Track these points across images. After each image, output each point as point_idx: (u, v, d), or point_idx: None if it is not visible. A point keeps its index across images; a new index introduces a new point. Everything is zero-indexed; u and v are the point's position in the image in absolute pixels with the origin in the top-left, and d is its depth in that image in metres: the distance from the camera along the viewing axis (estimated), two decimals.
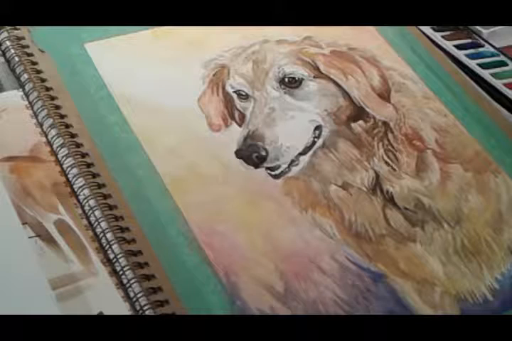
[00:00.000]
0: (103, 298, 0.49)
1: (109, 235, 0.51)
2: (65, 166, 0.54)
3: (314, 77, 0.60)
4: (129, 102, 0.58)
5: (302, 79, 0.59)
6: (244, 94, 0.59)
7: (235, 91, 0.60)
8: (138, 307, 0.49)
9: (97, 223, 0.52)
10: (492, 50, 0.72)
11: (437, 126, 0.61)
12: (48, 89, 0.58)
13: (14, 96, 0.59)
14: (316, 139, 0.58)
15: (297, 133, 0.58)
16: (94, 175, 0.53)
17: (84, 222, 0.52)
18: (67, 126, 0.56)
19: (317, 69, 0.60)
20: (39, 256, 0.50)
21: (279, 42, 0.62)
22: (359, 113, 0.59)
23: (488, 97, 0.67)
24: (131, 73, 0.60)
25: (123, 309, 0.49)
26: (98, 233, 0.52)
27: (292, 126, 0.58)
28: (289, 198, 0.55)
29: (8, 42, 0.60)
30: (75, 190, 0.53)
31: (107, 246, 0.51)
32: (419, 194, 0.57)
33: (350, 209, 0.55)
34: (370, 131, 0.59)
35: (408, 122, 0.60)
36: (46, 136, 0.56)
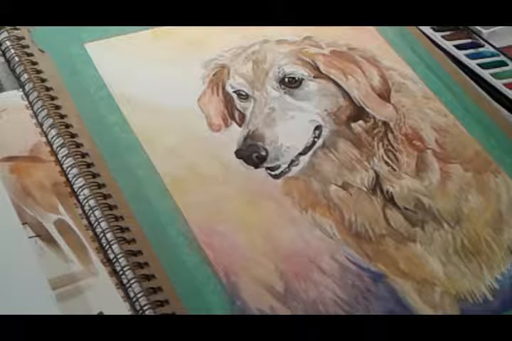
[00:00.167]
0: (103, 298, 0.49)
1: (109, 235, 0.51)
2: (65, 166, 0.54)
3: (314, 77, 0.60)
4: (129, 102, 0.58)
5: (302, 79, 0.59)
6: (244, 94, 0.59)
7: (235, 92, 0.60)
8: (138, 307, 0.49)
9: (97, 223, 0.52)
10: (492, 50, 0.72)
11: (437, 126, 0.61)
12: (48, 89, 0.58)
13: (14, 96, 0.59)
14: (316, 139, 0.58)
15: (297, 133, 0.58)
16: (94, 175, 0.53)
17: (84, 222, 0.52)
18: (67, 126, 0.56)
19: (317, 69, 0.60)
20: (39, 256, 0.50)
21: (279, 42, 0.62)
22: (359, 113, 0.59)
23: (488, 97, 0.67)
24: (131, 73, 0.60)
25: (123, 309, 0.49)
26: (98, 233, 0.52)
27: (292, 126, 0.58)
28: (289, 198, 0.55)
29: (8, 42, 0.60)
30: (75, 190, 0.53)
31: (107, 246, 0.51)
32: (419, 194, 0.57)
33: (350, 209, 0.55)
34: (370, 131, 0.59)
35: (408, 122, 0.60)
36: (46, 136, 0.56)
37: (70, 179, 0.54)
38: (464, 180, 0.58)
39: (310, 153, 0.58)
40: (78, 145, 0.55)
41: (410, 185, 0.57)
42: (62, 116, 0.56)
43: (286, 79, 0.59)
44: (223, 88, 0.60)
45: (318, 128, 0.59)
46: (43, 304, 0.47)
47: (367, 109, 0.59)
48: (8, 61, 0.60)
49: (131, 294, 0.49)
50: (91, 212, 0.52)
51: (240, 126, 0.58)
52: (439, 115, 0.62)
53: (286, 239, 0.53)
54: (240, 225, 0.53)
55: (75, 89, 0.58)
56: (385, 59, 0.63)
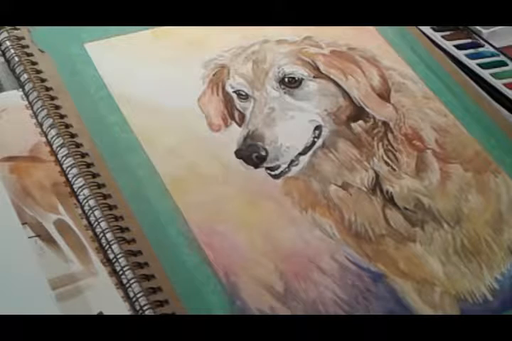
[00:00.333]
0: (103, 298, 0.49)
1: (108, 235, 0.51)
2: (64, 166, 0.54)
3: (314, 77, 0.60)
4: (129, 102, 0.58)
5: (302, 79, 0.59)
6: (244, 94, 0.59)
7: (234, 91, 0.60)
8: (138, 307, 0.49)
9: (96, 223, 0.52)
10: (492, 50, 0.72)
11: (437, 126, 0.61)
12: (47, 89, 0.58)
13: (14, 96, 0.59)
14: (315, 139, 0.58)
15: (297, 133, 0.58)
16: (94, 175, 0.53)
17: (84, 222, 0.52)
18: (67, 126, 0.56)
19: (317, 69, 0.60)
20: (39, 256, 0.50)
21: (279, 42, 0.62)
22: (359, 113, 0.59)
23: (488, 97, 0.67)
24: (131, 73, 0.60)
25: (123, 309, 0.49)
26: (98, 233, 0.52)
27: (292, 126, 0.58)
28: (289, 198, 0.55)
29: (8, 42, 0.60)
30: (75, 190, 0.53)
31: (107, 246, 0.51)
32: (419, 194, 0.57)
33: (350, 209, 0.55)
34: (370, 131, 0.59)
35: (408, 122, 0.60)
36: (46, 136, 0.56)
37: (70, 179, 0.54)
38: (464, 180, 0.58)
39: (310, 153, 0.58)
40: (78, 145, 0.55)
41: (410, 185, 0.57)
42: (62, 116, 0.56)
43: (286, 79, 0.59)
44: (223, 88, 0.60)
45: (318, 128, 0.59)
46: (43, 304, 0.47)
47: (367, 109, 0.59)
48: (8, 61, 0.60)
49: (131, 294, 0.49)
50: (91, 212, 0.52)
51: (239, 126, 0.58)
52: (439, 115, 0.62)
53: (286, 239, 0.53)
54: (240, 225, 0.53)
55: (75, 89, 0.58)
56: (385, 59, 0.63)
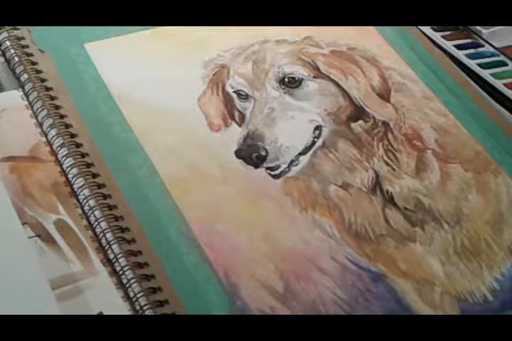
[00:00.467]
0: (103, 298, 0.49)
1: (109, 235, 0.51)
2: (65, 166, 0.54)
3: (314, 77, 0.60)
4: (129, 102, 0.58)
5: (302, 79, 0.59)
6: (244, 94, 0.59)
7: (234, 91, 0.60)
8: (138, 307, 0.49)
9: (96, 223, 0.52)
10: (492, 50, 0.72)
11: (437, 126, 0.61)
12: (47, 89, 0.58)
13: (14, 96, 0.59)
14: (315, 139, 0.58)
15: (297, 133, 0.58)
16: (94, 175, 0.53)
17: (84, 222, 0.52)
18: (67, 126, 0.56)
19: (317, 69, 0.60)
20: (39, 256, 0.50)
21: (279, 42, 0.62)
22: (359, 113, 0.59)
23: (488, 97, 0.67)
24: (131, 73, 0.60)
25: (123, 309, 0.49)
26: (98, 233, 0.52)
27: (292, 126, 0.58)
28: (289, 198, 0.55)
29: (8, 42, 0.60)
30: (75, 190, 0.53)
31: (107, 246, 0.51)
32: (419, 194, 0.57)
33: (350, 209, 0.55)
34: (369, 131, 0.59)
35: (408, 122, 0.60)
36: (46, 136, 0.56)
37: (70, 179, 0.54)
38: (464, 180, 0.58)
39: (310, 153, 0.58)
40: (78, 145, 0.55)
41: (410, 185, 0.57)
42: (62, 116, 0.56)
43: (286, 79, 0.59)
44: (223, 88, 0.60)
45: (318, 128, 0.59)
46: (43, 304, 0.47)
47: (367, 109, 0.59)
48: (8, 61, 0.60)
49: (131, 294, 0.49)
50: (91, 212, 0.52)
51: (239, 126, 0.58)
52: (439, 115, 0.62)
53: (286, 239, 0.53)
54: (240, 225, 0.53)
55: (75, 89, 0.58)
56: (385, 59, 0.63)
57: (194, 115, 0.58)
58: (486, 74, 0.69)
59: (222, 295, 0.50)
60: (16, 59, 0.59)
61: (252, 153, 0.56)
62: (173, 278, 0.50)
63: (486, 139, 0.61)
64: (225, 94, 0.60)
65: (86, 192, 0.53)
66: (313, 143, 0.58)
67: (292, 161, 0.57)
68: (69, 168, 0.54)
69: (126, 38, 0.62)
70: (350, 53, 0.62)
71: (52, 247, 0.51)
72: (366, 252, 0.54)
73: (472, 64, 0.70)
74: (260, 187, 0.55)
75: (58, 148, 0.55)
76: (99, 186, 0.53)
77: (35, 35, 0.61)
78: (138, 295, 0.49)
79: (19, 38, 0.60)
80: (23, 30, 0.61)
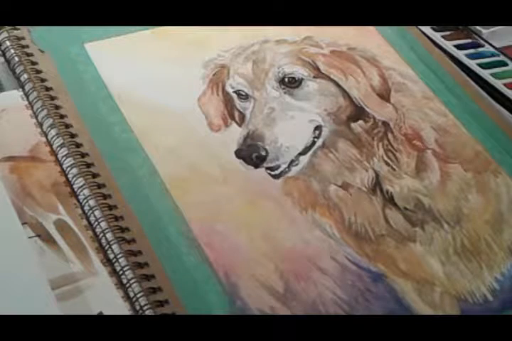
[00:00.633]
0: (103, 298, 0.49)
1: (109, 235, 0.51)
2: (65, 166, 0.54)
3: (314, 77, 0.60)
4: (129, 102, 0.58)
5: (302, 79, 0.59)
6: (244, 94, 0.59)
7: (234, 91, 0.60)
8: (138, 307, 0.49)
9: (96, 223, 0.52)
10: (492, 50, 0.72)
11: (437, 126, 0.61)
12: (47, 89, 0.58)
13: (14, 96, 0.59)
14: (315, 139, 0.58)
15: (297, 133, 0.58)
16: (94, 175, 0.53)
17: (84, 222, 0.52)
18: (67, 126, 0.56)
19: (317, 69, 0.60)
20: (39, 256, 0.50)
21: (279, 42, 0.62)
22: (359, 113, 0.59)
23: (488, 97, 0.67)
24: (131, 73, 0.60)
25: (123, 309, 0.49)
26: (98, 233, 0.52)
27: (292, 126, 0.58)
28: (289, 198, 0.55)
29: (8, 42, 0.60)
30: (75, 190, 0.53)
31: (107, 246, 0.51)
32: (419, 194, 0.57)
33: (350, 209, 0.55)
34: (370, 131, 0.59)
35: (408, 122, 0.60)
36: (46, 136, 0.56)
37: (70, 179, 0.54)
38: (464, 180, 0.58)
39: (310, 153, 0.58)
40: (78, 145, 0.55)
41: (410, 185, 0.57)
42: (62, 116, 0.56)
43: (286, 79, 0.59)
44: (223, 88, 0.60)
45: (318, 128, 0.59)
46: (43, 304, 0.47)
47: (367, 109, 0.59)
48: (8, 61, 0.60)
49: (131, 294, 0.49)
50: (91, 212, 0.52)
51: (239, 126, 0.58)
52: (439, 115, 0.62)
53: (286, 239, 0.53)
54: (240, 225, 0.53)
55: (75, 89, 0.58)
56: (385, 59, 0.63)
57: (194, 115, 0.58)
58: (486, 74, 0.69)
59: (222, 295, 0.50)
60: (16, 59, 0.59)
61: (252, 153, 0.56)
62: (173, 278, 0.50)
63: (486, 139, 0.61)
64: (225, 94, 0.60)
65: (86, 192, 0.53)
66: (313, 143, 0.58)
67: (292, 161, 0.57)
68: (69, 168, 0.54)
69: (126, 38, 0.62)
70: (350, 53, 0.62)
71: (52, 247, 0.51)
72: (366, 252, 0.54)
73: (472, 64, 0.70)
74: (260, 187, 0.55)
75: (58, 148, 0.55)
76: (99, 186, 0.53)
77: (35, 35, 0.61)
78: (138, 295, 0.49)
79: (19, 38, 0.60)
80: (23, 30, 0.61)
